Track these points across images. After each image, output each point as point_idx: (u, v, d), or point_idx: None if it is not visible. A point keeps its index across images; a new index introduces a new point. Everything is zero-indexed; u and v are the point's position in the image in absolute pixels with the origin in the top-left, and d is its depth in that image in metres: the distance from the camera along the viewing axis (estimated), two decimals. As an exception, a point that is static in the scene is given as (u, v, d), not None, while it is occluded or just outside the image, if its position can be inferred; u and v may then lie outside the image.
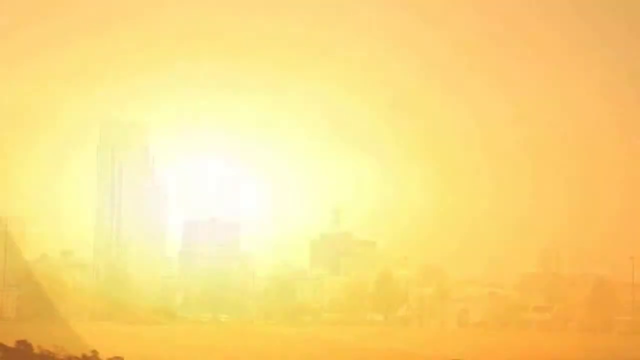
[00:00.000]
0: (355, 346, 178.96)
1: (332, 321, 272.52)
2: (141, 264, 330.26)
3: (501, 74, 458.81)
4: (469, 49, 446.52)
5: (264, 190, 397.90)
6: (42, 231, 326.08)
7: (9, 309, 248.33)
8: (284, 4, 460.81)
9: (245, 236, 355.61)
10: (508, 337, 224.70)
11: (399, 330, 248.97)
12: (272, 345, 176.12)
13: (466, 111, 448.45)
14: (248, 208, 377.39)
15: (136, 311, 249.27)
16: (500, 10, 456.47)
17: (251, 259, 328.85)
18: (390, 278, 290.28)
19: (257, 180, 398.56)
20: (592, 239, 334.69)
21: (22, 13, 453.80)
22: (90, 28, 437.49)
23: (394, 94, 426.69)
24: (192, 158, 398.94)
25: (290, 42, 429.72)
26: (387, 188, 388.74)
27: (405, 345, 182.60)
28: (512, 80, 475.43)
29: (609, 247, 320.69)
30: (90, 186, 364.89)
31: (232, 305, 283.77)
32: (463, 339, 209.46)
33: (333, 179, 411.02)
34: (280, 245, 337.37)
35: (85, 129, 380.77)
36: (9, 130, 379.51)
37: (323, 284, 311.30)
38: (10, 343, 65.45)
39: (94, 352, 67.88)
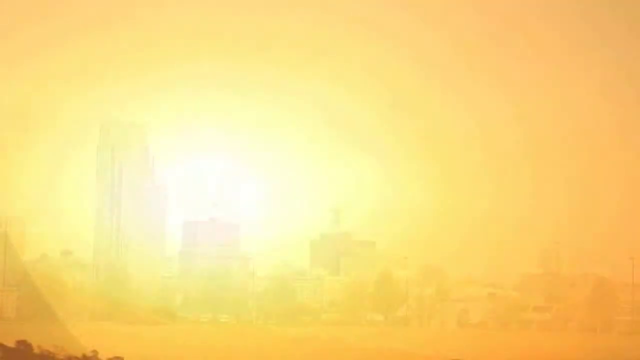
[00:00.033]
0: (355, 346, 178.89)
1: (332, 321, 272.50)
2: (141, 264, 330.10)
3: (501, 74, 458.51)
4: (469, 49, 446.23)
5: (263, 190, 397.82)
6: (42, 231, 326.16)
7: (9, 309, 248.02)
8: (284, 4, 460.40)
9: (245, 236, 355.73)
10: (508, 337, 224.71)
11: (399, 330, 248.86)
12: (272, 345, 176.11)
13: (466, 111, 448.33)
14: (248, 208, 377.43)
15: (136, 311, 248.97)
16: (500, 10, 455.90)
17: (251, 259, 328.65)
18: (390, 278, 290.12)
19: (257, 180, 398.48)
20: (592, 239, 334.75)
21: (22, 13, 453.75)
22: (90, 28, 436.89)
23: (394, 94, 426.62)
24: (192, 158, 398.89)
25: (290, 42, 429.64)
26: (387, 188, 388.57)
27: (405, 345, 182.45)
28: (512, 80, 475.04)
29: (609, 247, 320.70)
30: (90, 186, 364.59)
31: (232, 305, 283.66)
32: (463, 339, 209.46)
33: (333, 179, 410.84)
34: (280, 246, 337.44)
35: (85, 129, 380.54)
36: (9, 130, 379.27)
37: (323, 284, 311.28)
38: (10, 343, 65.40)
39: (94, 352, 67.87)
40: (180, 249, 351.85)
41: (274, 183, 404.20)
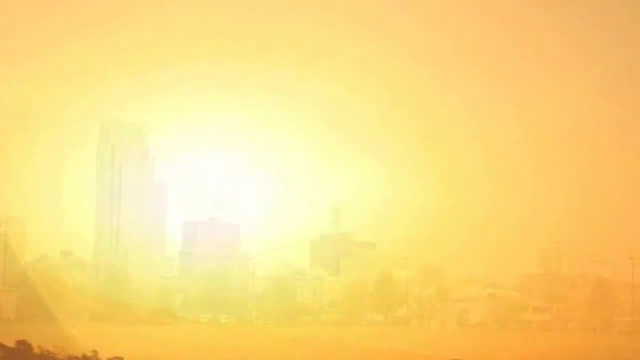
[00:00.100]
0: (355, 346, 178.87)
1: (332, 321, 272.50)
2: (141, 264, 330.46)
3: (501, 73, 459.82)
4: (470, 49, 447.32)
5: (264, 190, 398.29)
6: (42, 231, 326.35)
7: (9, 309, 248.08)
8: (284, 3, 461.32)
9: (245, 236, 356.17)
10: (508, 337, 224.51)
11: (399, 330, 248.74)
12: (272, 345, 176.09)
13: (466, 111, 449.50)
14: (248, 208, 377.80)
15: (136, 311, 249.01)
16: (500, 10, 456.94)
17: (251, 259, 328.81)
18: (390, 278, 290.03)
19: (257, 180, 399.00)
20: (592, 239, 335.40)
21: (22, 13, 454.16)
22: (90, 28, 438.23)
23: (394, 94, 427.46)
24: (192, 158, 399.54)
25: (290, 42, 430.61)
26: (387, 188, 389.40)
27: (405, 345, 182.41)
28: (512, 80, 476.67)
29: (609, 247, 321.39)
30: (90, 186, 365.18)
31: (232, 305, 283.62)
32: (463, 339, 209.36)
33: (333, 179, 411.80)
34: (280, 246, 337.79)
35: (85, 129, 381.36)
36: (9, 130, 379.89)
37: (323, 284, 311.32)
38: (10, 343, 65.36)
39: (94, 352, 67.79)
40: (180, 249, 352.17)
41: (274, 183, 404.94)
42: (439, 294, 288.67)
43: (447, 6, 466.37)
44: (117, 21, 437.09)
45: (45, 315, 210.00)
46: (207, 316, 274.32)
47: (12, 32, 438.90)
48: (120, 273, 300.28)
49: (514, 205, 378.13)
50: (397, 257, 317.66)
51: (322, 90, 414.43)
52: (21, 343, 65.24)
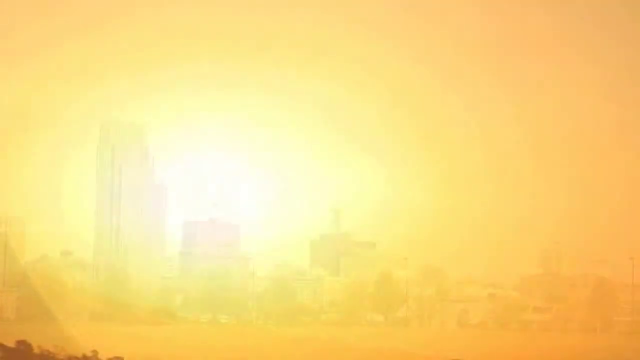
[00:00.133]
0: (355, 346, 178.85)
1: (332, 321, 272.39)
2: (141, 264, 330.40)
3: (501, 73, 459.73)
4: (470, 49, 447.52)
5: (264, 190, 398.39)
6: (42, 231, 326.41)
7: (9, 310, 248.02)
8: (284, 3, 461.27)
9: (245, 236, 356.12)
10: (508, 337, 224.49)
11: (399, 330, 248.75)
12: (272, 345, 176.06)
13: (466, 111, 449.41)
14: (248, 208, 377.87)
15: (136, 311, 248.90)
16: (501, 10, 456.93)
17: (251, 259, 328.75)
18: (390, 278, 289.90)
19: (257, 180, 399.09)
20: (592, 239, 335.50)
21: (22, 13, 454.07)
22: (90, 28, 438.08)
23: (394, 94, 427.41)
24: (192, 158, 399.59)
25: (289, 41, 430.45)
26: (387, 188, 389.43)
27: (405, 345, 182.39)
28: (512, 80, 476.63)
29: (609, 247, 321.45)
30: (90, 186, 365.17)
31: (232, 305, 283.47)
32: (463, 339, 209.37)
33: (333, 179, 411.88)
34: (280, 246, 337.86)
35: (85, 129, 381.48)
36: (9, 130, 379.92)
37: (323, 284, 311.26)
38: (10, 343, 65.39)
39: (94, 352, 67.82)
40: (180, 249, 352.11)
41: (274, 183, 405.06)
42: (439, 294, 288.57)
43: (447, 6, 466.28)
44: (117, 21, 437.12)
45: (45, 315, 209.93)
46: (207, 316, 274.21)
47: (12, 32, 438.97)
48: (120, 273, 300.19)
49: (514, 205, 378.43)
50: (397, 257, 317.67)
51: (322, 90, 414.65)
52: (21, 343, 65.25)
